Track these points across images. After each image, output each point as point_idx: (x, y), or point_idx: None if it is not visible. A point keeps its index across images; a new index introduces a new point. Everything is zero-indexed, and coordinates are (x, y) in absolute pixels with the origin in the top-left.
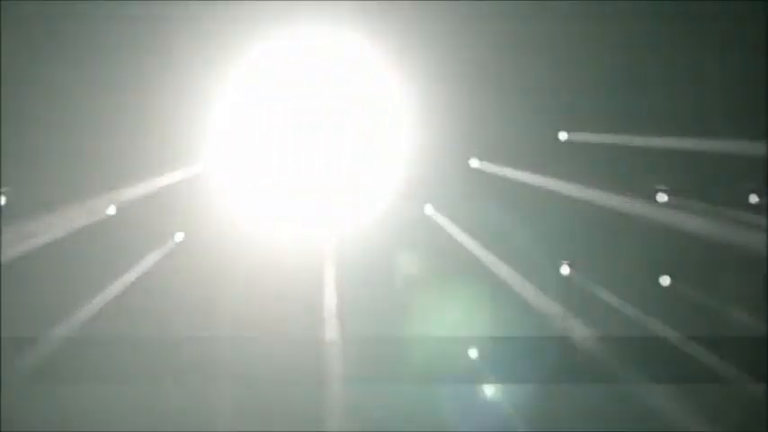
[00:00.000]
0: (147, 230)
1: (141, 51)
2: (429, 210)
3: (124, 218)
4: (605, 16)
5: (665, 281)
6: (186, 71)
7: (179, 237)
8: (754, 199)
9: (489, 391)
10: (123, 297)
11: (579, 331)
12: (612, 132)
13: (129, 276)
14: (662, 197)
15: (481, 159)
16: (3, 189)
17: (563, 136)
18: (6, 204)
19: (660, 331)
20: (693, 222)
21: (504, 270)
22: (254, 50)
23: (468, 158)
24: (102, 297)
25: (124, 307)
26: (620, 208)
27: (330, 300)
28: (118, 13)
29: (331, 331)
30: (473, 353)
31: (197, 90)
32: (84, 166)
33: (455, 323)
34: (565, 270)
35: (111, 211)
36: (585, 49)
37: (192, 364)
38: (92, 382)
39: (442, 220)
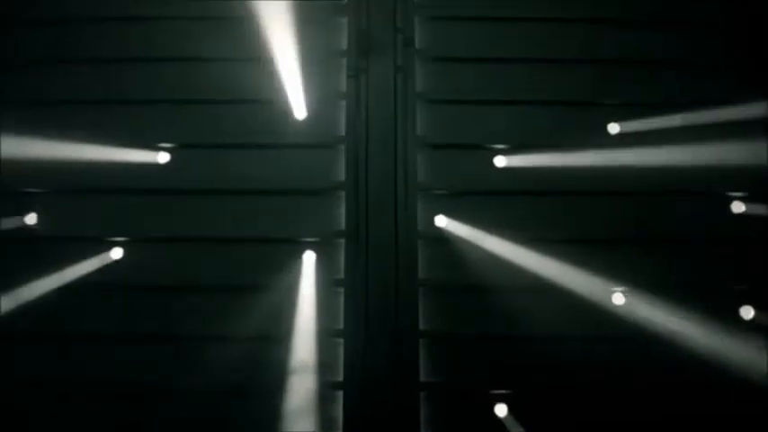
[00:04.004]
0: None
1: None
2: (441, 221)
3: None
4: None
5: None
6: None
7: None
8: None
9: None
10: None
11: None
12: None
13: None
14: (738, 206)
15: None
16: None
17: (614, 128)
18: None
19: None
20: None
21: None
22: None
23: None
24: None
25: None
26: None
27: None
28: None
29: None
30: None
31: None
32: None
33: None
34: (618, 299)
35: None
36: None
37: None
38: None
39: (462, 231)
